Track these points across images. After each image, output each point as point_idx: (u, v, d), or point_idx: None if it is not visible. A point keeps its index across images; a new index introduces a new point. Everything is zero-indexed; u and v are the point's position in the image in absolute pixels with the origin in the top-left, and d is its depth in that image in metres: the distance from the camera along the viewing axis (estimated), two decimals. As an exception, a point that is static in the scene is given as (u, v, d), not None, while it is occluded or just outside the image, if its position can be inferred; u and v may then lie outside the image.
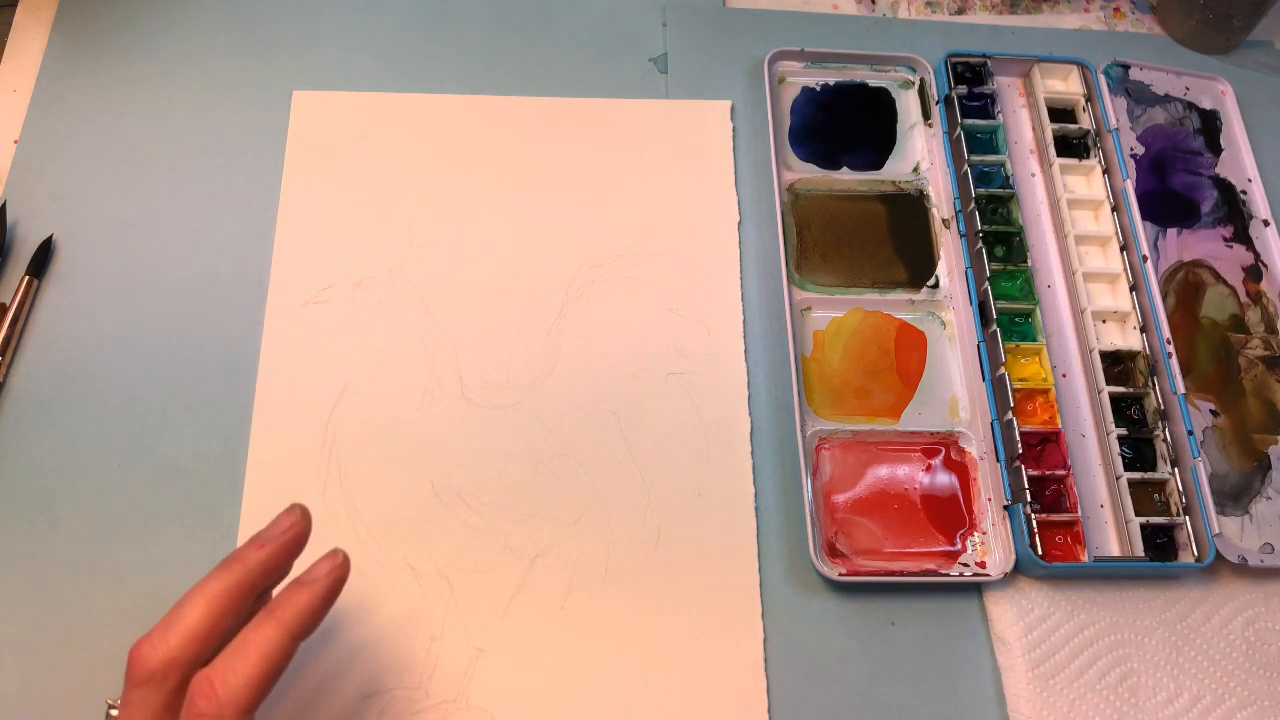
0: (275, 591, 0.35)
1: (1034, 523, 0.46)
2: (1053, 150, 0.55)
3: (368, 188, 0.52)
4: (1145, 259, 0.52)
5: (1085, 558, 0.46)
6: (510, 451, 0.47)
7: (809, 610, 0.45)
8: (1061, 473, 0.47)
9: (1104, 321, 0.52)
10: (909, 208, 0.55)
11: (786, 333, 0.50)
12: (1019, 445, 0.47)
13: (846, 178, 0.55)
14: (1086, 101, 0.57)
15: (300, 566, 0.35)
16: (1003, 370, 0.48)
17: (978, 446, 0.49)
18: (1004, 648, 0.45)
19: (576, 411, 0.48)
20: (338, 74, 0.55)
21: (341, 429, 0.47)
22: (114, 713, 0.35)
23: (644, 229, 0.52)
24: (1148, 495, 0.48)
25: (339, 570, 0.33)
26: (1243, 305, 0.54)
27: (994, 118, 0.56)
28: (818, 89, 0.57)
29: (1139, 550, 0.46)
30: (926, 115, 0.57)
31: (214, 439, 0.46)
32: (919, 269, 0.53)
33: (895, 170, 0.56)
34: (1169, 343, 0.50)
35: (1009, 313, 0.51)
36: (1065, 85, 0.58)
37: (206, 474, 0.45)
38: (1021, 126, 0.57)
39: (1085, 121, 0.56)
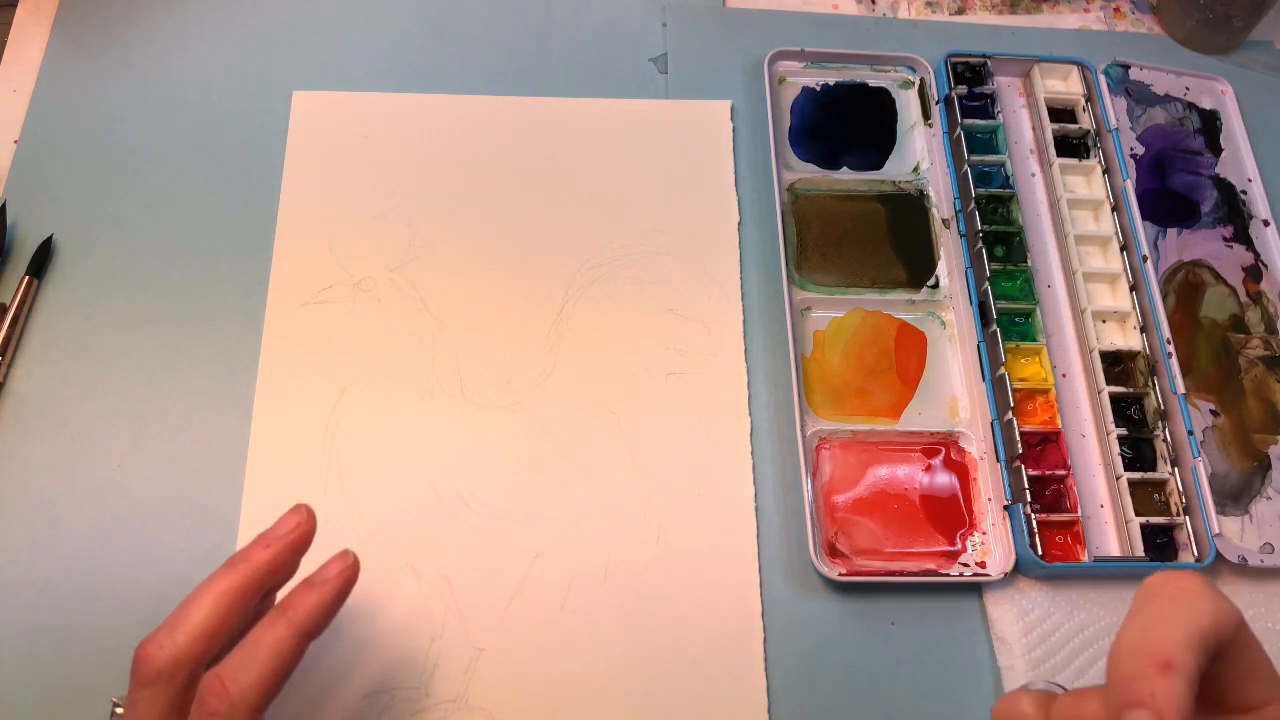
0: (280, 592, 0.35)
1: (1034, 523, 0.46)
2: (1053, 150, 0.55)
3: (368, 188, 0.52)
4: (1145, 259, 0.52)
5: (1085, 558, 0.46)
6: (510, 451, 0.47)
7: (809, 610, 0.45)
8: (1061, 473, 0.47)
9: (1104, 321, 0.52)
10: (909, 208, 0.55)
11: (786, 333, 0.50)
12: (1019, 445, 0.47)
13: (846, 178, 0.55)
14: (1086, 101, 0.57)
15: (303, 567, 0.35)
16: (1003, 370, 0.48)
17: (978, 446, 0.49)
18: (1004, 648, 0.45)
19: (576, 411, 0.48)
20: (338, 74, 0.55)
21: (341, 429, 0.47)
22: (119, 711, 0.35)
23: (644, 229, 0.52)
24: (1148, 495, 0.48)
25: (349, 571, 0.34)
26: (1243, 305, 0.54)
27: (994, 118, 0.56)
28: (818, 89, 0.57)
29: (1139, 550, 0.46)
30: (926, 115, 0.57)
31: (214, 439, 0.46)
32: (919, 269, 0.53)
33: (895, 170, 0.56)
34: (1169, 343, 0.50)
35: (1009, 313, 0.51)
36: (1065, 85, 0.58)
37: (206, 474, 0.45)
38: (1021, 126, 0.57)
39: (1085, 121, 0.56)
